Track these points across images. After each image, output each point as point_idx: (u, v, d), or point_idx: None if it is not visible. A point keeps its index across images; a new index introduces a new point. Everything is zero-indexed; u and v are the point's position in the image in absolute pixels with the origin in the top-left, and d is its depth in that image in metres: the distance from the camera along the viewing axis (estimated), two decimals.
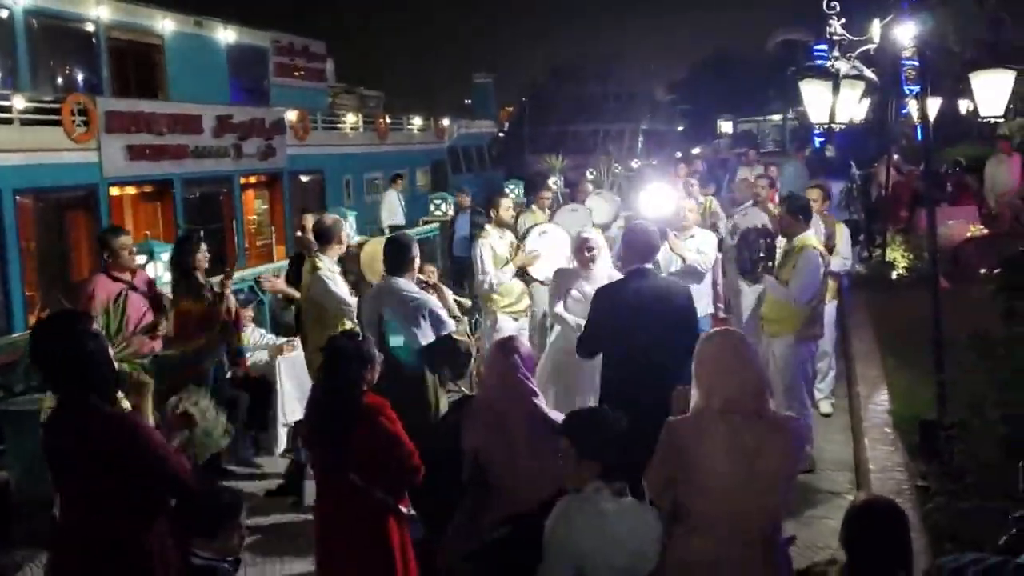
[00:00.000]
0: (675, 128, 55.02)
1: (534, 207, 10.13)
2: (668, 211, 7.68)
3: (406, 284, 5.10)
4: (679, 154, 36.49)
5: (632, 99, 48.74)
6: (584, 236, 6.19)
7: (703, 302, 7.01)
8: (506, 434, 3.52)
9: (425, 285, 5.53)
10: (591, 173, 20.00)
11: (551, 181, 15.44)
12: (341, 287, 5.94)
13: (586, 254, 6.07)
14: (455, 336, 5.12)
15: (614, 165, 20.91)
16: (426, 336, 4.94)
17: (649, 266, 5.14)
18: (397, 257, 5.18)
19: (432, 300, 5.14)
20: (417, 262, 5.26)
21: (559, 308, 6.04)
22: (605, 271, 6.14)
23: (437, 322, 5.01)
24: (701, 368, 3.26)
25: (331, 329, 5.94)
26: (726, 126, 52.87)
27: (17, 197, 12.96)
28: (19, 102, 13.32)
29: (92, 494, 3.18)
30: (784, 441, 3.15)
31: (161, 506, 3.24)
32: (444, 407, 5.08)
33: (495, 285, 7.10)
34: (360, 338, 4.06)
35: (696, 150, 40.70)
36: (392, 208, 18.38)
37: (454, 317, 5.34)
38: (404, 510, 3.97)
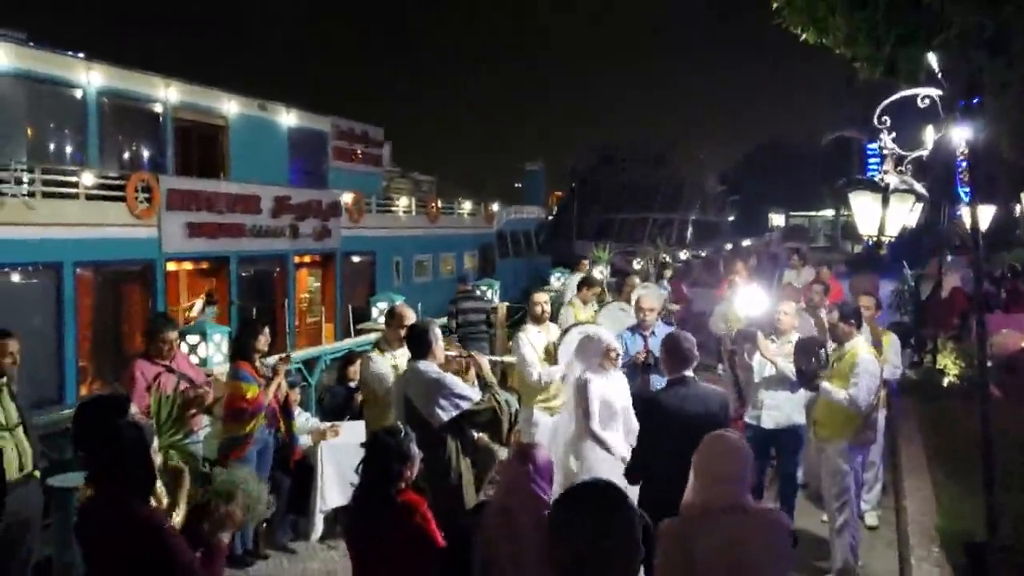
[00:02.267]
0: (725, 219, 55.09)
1: (575, 300, 9.95)
2: (762, 312, 7.62)
3: (426, 366, 5.27)
4: (729, 245, 36.54)
5: (682, 188, 48.95)
6: (607, 338, 6.35)
7: (796, 412, 6.73)
8: (515, 542, 3.49)
9: (457, 358, 5.70)
10: (638, 262, 20.06)
11: (596, 271, 15.49)
12: (381, 366, 6.12)
13: (612, 356, 6.22)
14: (480, 404, 5.18)
15: (662, 255, 21.00)
16: (448, 414, 5.10)
17: (690, 374, 5.20)
18: (415, 342, 5.43)
19: (449, 378, 5.26)
20: (437, 345, 5.39)
21: (596, 425, 6.09)
22: (620, 376, 6.30)
23: (457, 398, 5.15)
24: (699, 468, 3.46)
25: (381, 410, 6.07)
26: (777, 219, 52.81)
27: (77, 270, 13.43)
28: (87, 178, 13.91)
29: None
30: (766, 532, 3.30)
31: None
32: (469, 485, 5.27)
33: (543, 381, 7.10)
34: (402, 434, 4.08)
35: (747, 242, 40.66)
36: None
37: (487, 385, 5.41)
38: None
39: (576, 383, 6.23)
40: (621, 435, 6.12)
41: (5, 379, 5.38)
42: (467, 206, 29.22)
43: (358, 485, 4.07)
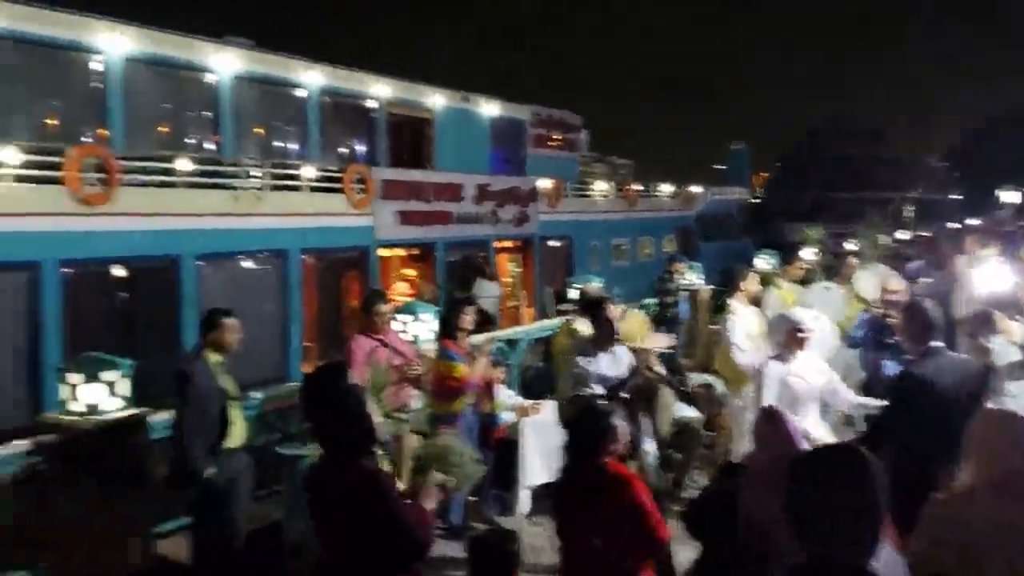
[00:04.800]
0: (949, 197, 51.02)
1: (780, 280, 9.54)
2: (1006, 289, 7.07)
3: None
4: (955, 224, 33.71)
5: (899, 165, 45.78)
6: (796, 318, 5.91)
7: None
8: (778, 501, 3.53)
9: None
10: (854, 243, 18.98)
11: (805, 252, 14.71)
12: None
13: (798, 336, 5.81)
14: None
15: (879, 236, 19.80)
16: None
17: (941, 344, 4.91)
18: None
19: None
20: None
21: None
22: (812, 357, 5.89)
23: None
24: (973, 445, 3.27)
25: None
26: (1009, 196, 48.17)
27: (302, 256, 14.45)
28: (309, 171, 14.94)
29: (343, 545, 3.41)
30: None
31: (403, 564, 3.41)
32: None
33: (748, 365, 6.88)
34: (603, 406, 4.10)
35: (973, 221, 37.37)
36: None
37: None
38: None
39: (759, 367, 5.97)
40: (813, 419, 5.79)
41: (224, 356, 5.77)
42: (666, 188, 28.77)
43: (566, 458, 4.13)
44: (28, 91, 12.26)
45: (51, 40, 12.00)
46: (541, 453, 7.13)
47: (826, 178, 44.49)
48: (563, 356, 6.62)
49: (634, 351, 5.82)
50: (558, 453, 4.14)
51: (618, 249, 24.68)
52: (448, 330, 6.85)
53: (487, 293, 16.52)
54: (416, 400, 6.93)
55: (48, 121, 12.81)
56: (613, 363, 5.85)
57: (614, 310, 6.04)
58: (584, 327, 6.64)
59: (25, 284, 10.81)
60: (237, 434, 5.74)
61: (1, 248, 10.36)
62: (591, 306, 5.90)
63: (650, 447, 6.10)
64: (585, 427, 3.99)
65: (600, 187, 24.95)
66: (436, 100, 19.15)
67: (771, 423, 3.78)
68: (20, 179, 10.77)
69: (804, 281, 9.77)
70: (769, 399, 5.60)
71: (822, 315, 7.40)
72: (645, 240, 26.32)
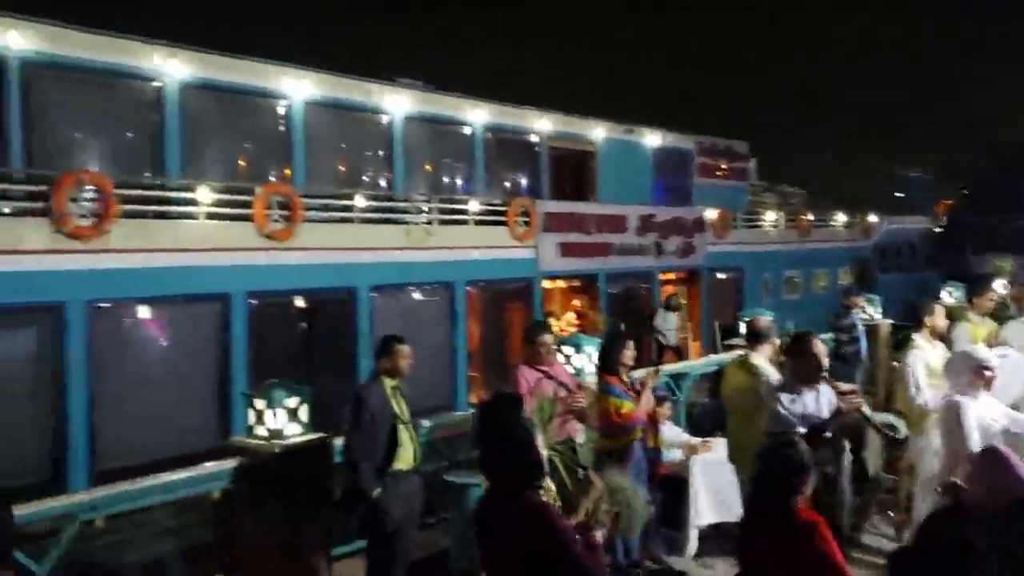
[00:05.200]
0: None
1: (970, 314, 8.89)
2: None
3: None
4: None
5: None
6: (980, 355, 5.62)
7: None
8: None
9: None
10: None
11: (996, 283, 13.65)
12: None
13: (984, 374, 5.47)
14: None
15: None
16: None
17: None
18: None
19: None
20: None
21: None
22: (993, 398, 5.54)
23: None
24: None
25: (755, 424, 5.96)
26: None
27: (468, 288, 14.81)
28: (474, 205, 15.34)
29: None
30: None
31: None
32: None
33: (927, 405, 6.42)
34: (793, 446, 3.92)
35: None
36: None
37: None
38: None
39: (947, 406, 5.55)
40: None
41: (399, 380, 5.98)
42: (840, 218, 27.59)
43: (751, 499, 3.99)
44: (221, 135, 13.25)
45: (241, 87, 12.93)
46: (711, 492, 6.95)
47: (1017, 208, 41.14)
48: (738, 392, 6.35)
49: (840, 393, 5.59)
50: (728, 492, 3.99)
51: (790, 281, 23.85)
52: (609, 365, 6.73)
53: (670, 325, 16.93)
54: (580, 433, 6.89)
55: (239, 162, 13.79)
56: (815, 400, 5.58)
57: (819, 345, 5.73)
58: (761, 362, 6.36)
59: (217, 315, 11.62)
60: (406, 456, 5.88)
61: (195, 281, 11.21)
62: (795, 340, 5.68)
63: (848, 490, 5.83)
64: (777, 464, 3.83)
65: (771, 217, 24.21)
66: (598, 132, 19.22)
67: (994, 463, 3.55)
68: (211, 216, 11.63)
69: (994, 315, 9.08)
70: (975, 440, 5.24)
71: (1014, 351, 6.85)
72: (819, 272, 25.29)
